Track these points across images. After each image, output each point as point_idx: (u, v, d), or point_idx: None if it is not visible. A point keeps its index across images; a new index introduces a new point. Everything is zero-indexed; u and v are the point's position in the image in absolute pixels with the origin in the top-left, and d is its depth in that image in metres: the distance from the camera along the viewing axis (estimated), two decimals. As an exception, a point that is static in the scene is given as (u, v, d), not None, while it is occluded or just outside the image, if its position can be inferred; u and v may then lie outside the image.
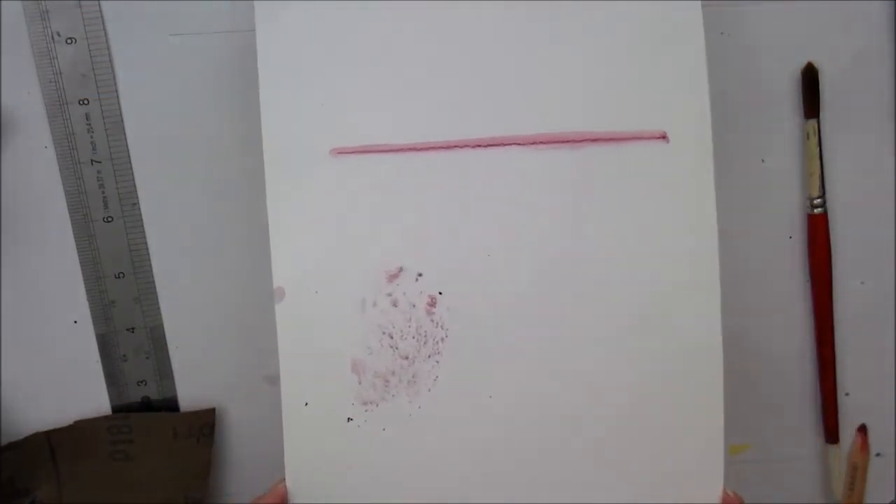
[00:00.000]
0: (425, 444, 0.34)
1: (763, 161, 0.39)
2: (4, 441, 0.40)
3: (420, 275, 0.34)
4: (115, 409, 0.41)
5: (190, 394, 0.41)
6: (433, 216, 0.34)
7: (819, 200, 0.39)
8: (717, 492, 0.34)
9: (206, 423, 0.41)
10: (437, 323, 0.34)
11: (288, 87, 0.34)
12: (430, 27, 0.34)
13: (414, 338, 0.34)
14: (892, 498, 0.43)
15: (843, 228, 0.40)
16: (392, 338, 0.34)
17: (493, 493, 0.34)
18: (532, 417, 0.34)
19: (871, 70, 0.39)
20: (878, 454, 0.42)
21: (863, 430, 0.41)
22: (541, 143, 0.34)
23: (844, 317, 0.40)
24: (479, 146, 0.34)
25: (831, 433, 0.41)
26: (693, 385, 0.34)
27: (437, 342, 0.34)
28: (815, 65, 0.38)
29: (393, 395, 0.34)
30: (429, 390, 0.34)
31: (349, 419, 0.34)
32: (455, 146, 0.34)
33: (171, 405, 0.41)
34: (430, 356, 0.34)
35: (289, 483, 0.34)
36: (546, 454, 0.34)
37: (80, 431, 0.40)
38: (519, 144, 0.34)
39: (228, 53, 0.38)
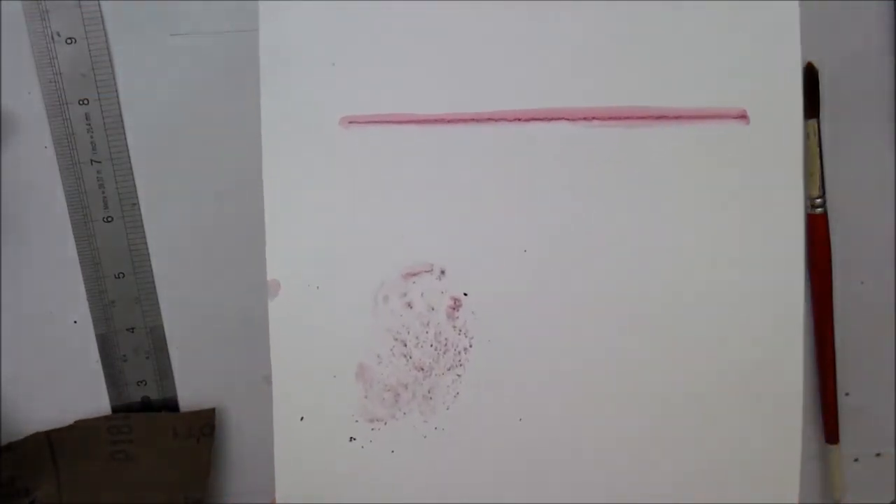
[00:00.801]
0: (441, 471, 0.29)
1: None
2: (4, 441, 0.40)
3: (442, 272, 0.29)
4: (115, 409, 0.41)
5: (190, 394, 0.41)
6: (461, 202, 0.29)
7: (819, 200, 0.39)
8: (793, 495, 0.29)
9: (206, 423, 0.41)
10: (461, 330, 0.29)
11: (293, 43, 0.29)
12: None
13: (432, 346, 0.29)
14: (893, 498, 0.43)
15: (843, 228, 0.40)
16: (406, 345, 0.29)
17: None
18: (571, 446, 0.29)
19: (871, 70, 0.39)
20: (878, 454, 0.42)
21: None
22: (595, 118, 0.28)
23: (844, 317, 0.40)
24: (519, 119, 0.29)
25: (831, 433, 0.41)
26: (770, 399, 0.29)
27: (460, 352, 0.29)
28: (815, 65, 0.38)
29: (404, 413, 0.29)
30: (447, 408, 0.29)
31: (352, 438, 0.29)
32: (491, 119, 0.29)
33: (171, 405, 0.41)
34: (450, 368, 0.29)
35: None
36: (586, 488, 0.29)
37: (80, 431, 0.40)
38: (568, 119, 0.28)
39: (228, 53, 0.38)
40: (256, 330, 0.40)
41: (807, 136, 0.39)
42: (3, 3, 0.37)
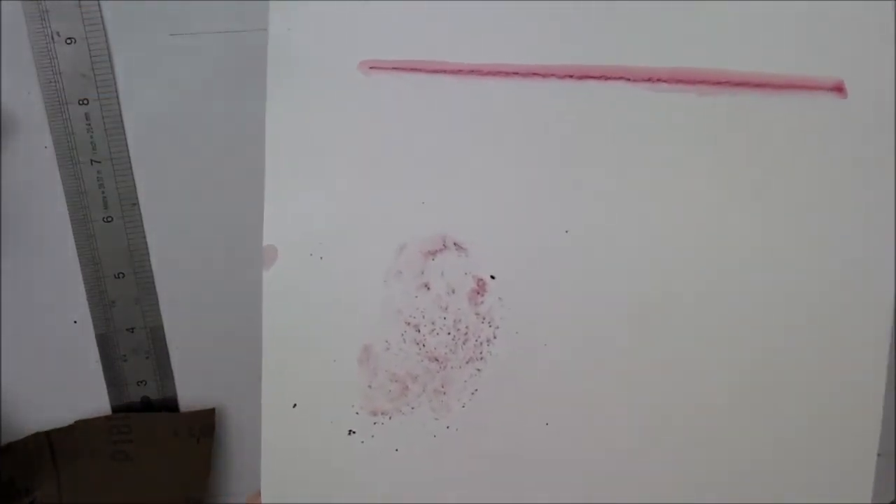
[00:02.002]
0: (451, 476, 0.25)
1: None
2: (4, 441, 0.40)
3: (466, 249, 0.25)
4: (115, 409, 0.41)
5: (190, 394, 0.41)
6: (496, 170, 0.24)
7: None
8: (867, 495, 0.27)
9: (206, 423, 0.41)
10: (484, 317, 0.25)
11: None
12: None
13: (450, 334, 0.25)
14: (893, 498, 0.43)
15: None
16: (419, 331, 0.25)
17: None
18: (602, 455, 0.25)
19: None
20: (878, 454, 0.42)
21: None
22: (661, 80, 0.24)
23: (844, 317, 0.40)
24: (571, 76, 0.24)
25: (831, 433, 0.41)
26: (852, 398, 0.26)
27: (482, 343, 0.25)
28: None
29: (412, 408, 0.25)
30: (462, 406, 0.25)
31: (351, 431, 0.26)
32: (537, 73, 0.24)
33: (171, 405, 0.41)
34: (469, 361, 0.25)
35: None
36: (616, 498, 0.25)
37: (80, 431, 0.40)
38: (629, 80, 0.24)
39: (228, 53, 0.38)
40: (257, 330, 0.40)
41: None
42: (3, 3, 0.37)
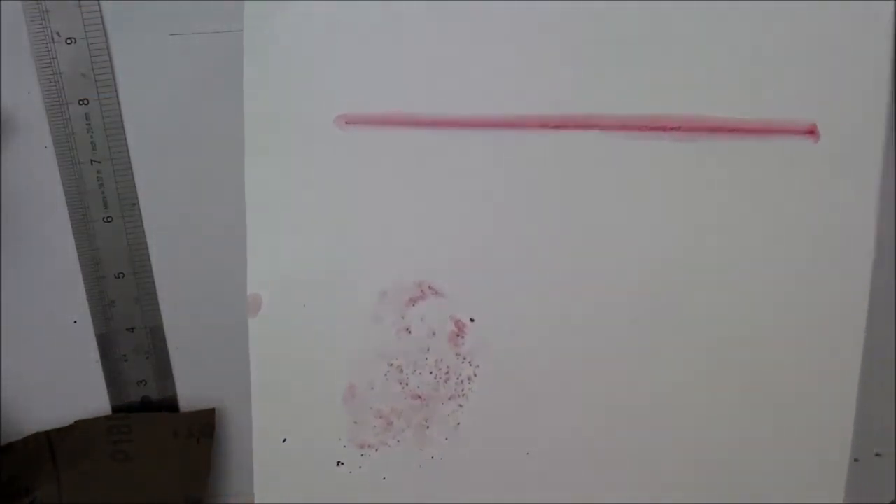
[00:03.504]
0: (435, 501, 0.27)
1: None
2: (4, 441, 0.40)
3: (445, 295, 0.26)
4: (115, 409, 0.41)
5: (190, 394, 0.41)
6: (471, 216, 0.25)
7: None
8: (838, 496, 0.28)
9: (206, 423, 0.41)
10: (465, 357, 0.26)
11: (281, 39, 0.25)
12: None
13: (431, 373, 0.26)
14: (893, 498, 0.43)
15: (844, 228, 0.40)
16: (402, 371, 0.26)
17: None
18: (583, 486, 0.26)
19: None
20: (877, 454, 0.42)
21: None
22: (635, 128, 0.24)
23: (844, 317, 0.40)
24: (544, 126, 0.24)
25: (831, 433, 0.41)
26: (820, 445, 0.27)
27: (463, 382, 0.26)
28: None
29: (398, 441, 0.27)
30: (446, 439, 0.26)
31: (339, 463, 0.27)
32: (512, 124, 0.24)
33: (171, 405, 0.41)
34: (451, 398, 0.26)
35: None
36: None
37: (80, 431, 0.40)
38: (603, 128, 0.24)
39: (228, 53, 0.38)
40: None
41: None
42: (3, 3, 0.37)
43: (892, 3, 0.23)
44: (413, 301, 0.26)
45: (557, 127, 0.24)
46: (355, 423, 0.27)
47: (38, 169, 0.38)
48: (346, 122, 0.25)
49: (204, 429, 0.41)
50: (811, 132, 0.24)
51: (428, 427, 0.26)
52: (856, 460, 0.42)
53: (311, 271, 0.26)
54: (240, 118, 0.38)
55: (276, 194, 0.26)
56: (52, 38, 0.37)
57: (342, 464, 0.27)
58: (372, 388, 0.26)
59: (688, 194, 0.25)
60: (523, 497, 0.26)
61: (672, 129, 0.24)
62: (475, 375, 0.26)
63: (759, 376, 0.26)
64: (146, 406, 0.41)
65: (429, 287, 0.25)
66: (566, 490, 0.25)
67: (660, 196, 0.25)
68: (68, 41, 0.37)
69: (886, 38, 0.23)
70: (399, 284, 0.26)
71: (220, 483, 0.42)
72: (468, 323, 0.26)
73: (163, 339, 0.41)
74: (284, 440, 0.27)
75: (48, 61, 0.37)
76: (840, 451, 0.27)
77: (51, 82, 0.37)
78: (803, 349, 0.26)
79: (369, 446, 0.27)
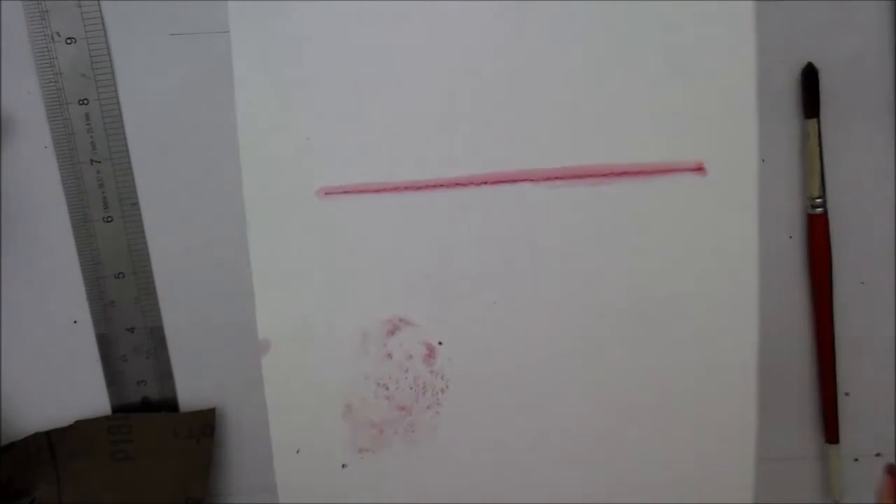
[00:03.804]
0: (426, 491, 0.33)
1: (763, 161, 0.39)
2: (4, 441, 0.40)
3: (417, 325, 0.32)
4: (115, 409, 0.41)
5: (190, 394, 0.41)
6: (434, 261, 0.31)
7: (819, 200, 0.39)
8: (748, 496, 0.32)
9: (206, 424, 0.41)
10: (437, 373, 0.32)
11: (269, 118, 0.31)
12: (428, 48, 0.30)
13: (411, 388, 0.32)
14: (893, 498, 0.43)
15: (843, 228, 0.40)
16: (388, 388, 0.32)
17: None
18: (540, 469, 0.32)
19: (871, 70, 0.39)
20: (878, 454, 0.42)
21: (892, 471, 0.35)
22: (557, 178, 0.31)
23: (844, 317, 0.40)
24: (485, 183, 0.31)
25: (831, 433, 0.41)
26: (725, 455, 0.32)
27: (437, 393, 0.32)
28: (815, 65, 0.38)
29: (390, 444, 0.33)
30: (428, 439, 0.32)
31: (343, 465, 0.33)
32: (458, 184, 0.31)
33: (171, 405, 0.41)
34: (429, 407, 0.32)
35: None
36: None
37: (80, 431, 0.40)
38: (532, 181, 0.31)
39: (228, 53, 0.38)
40: (256, 330, 0.40)
41: (807, 137, 0.39)
42: (3, 3, 0.37)
43: (754, 41, 0.30)
44: (391, 332, 0.32)
45: (496, 182, 0.31)
46: (354, 433, 0.33)
47: (38, 169, 0.39)
48: (325, 194, 0.31)
49: (204, 429, 0.41)
50: (699, 168, 0.30)
51: (413, 431, 0.33)
52: (856, 460, 0.42)
53: (307, 316, 0.32)
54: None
55: (275, 257, 0.32)
56: (52, 38, 0.37)
57: (346, 466, 0.33)
58: (364, 404, 0.32)
59: (603, 228, 0.31)
60: (494, 482, 0.33)
61: (587, 176, 0.30)
62: (447, 387, 0.32)
63: (668, 386, 0.32)
64: (146, 406, 0.41)
65: (400, 320, 0.32)
66: (528, 475, 0.32)
67: (584, 231, 0.31)
68: (68, 41, 0.37)
69: (751, 80, 0.30)
70: (379, 320, 0.32)
71: (220, 483, 0.42)
72: (437, 346, 0.32)
73: (163, 339, 0.41)
74: (298, 451, 0.33)
75: (48, 61, 0.37)
76: (746, 453, 0.32)
77: (51, 82, 0.38)
78: (702, 364, 0.32)
79: (367, 450, 0.33)
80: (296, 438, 0.33)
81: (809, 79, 0.38)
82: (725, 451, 0.32)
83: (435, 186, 0.31)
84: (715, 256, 0.31)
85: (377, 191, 0.31)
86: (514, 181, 0.31)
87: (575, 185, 0.30)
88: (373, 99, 0.31)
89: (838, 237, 0.40)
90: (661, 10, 0.30)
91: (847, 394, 0.41)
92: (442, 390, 0.32)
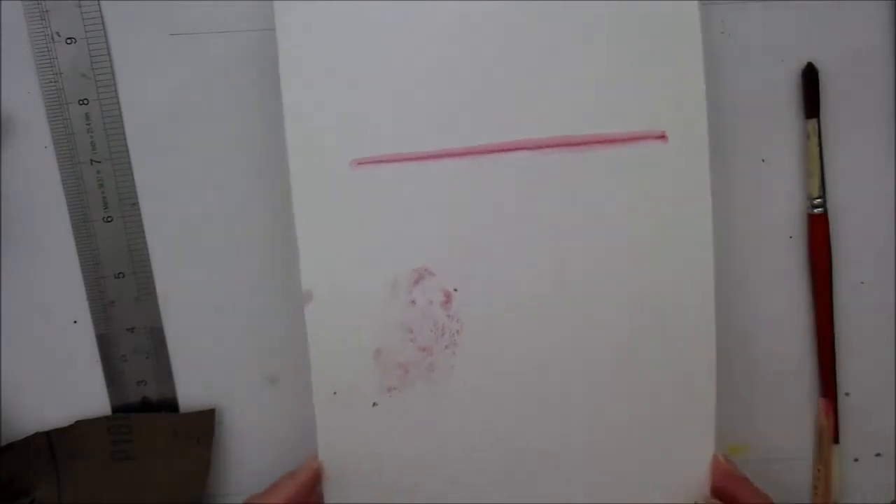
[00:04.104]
0: (444, 423, 0.38)
1: (763, 161, 0.39)
2: (4, 441, 0.40)
3: (436, 274, 0.37)
4: (115, 409, 0.41)
5: (190, 394, 0.41)
6: (449, 219, 0.36)
7: (819, 200, 0.39)
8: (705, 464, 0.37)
9: (206, 424, 0.41)
10: (453, 317, 0.37)
11: (310, 102, 0.35)
12: (441, 38, 0.36)
13: (431, 331, 0.37)
14: (893, 498, 0.43)
15: (843, 228, 0.40)
16: (411, 332, 0.37)
17: (505, 465, 0.38)
18: (539, 400, 0.37)
19: (871, 70, 0.39)
20: (878, 454, 0.42)
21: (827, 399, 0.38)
22: (548, 146, 0.36)
23: (844, 317, 0.40)
24: (489, 152, 0.36)
25: (832, 434, 0.41)
26: (685, 376, 0.37)
27: (453, 334, 0.37)
28: (815, 65, 0.38)
29: (413, 383, 0.37)
30: (446, 378, 0.37)
31: (374, 404, 0.37)
32: (467, 153, 0.36)
33: (171, 405, 0.41)
34: (446, 347, 0.37)
35: (322, 459, 0.37)
36: (553, 432, 0.38)
37: (80, 431, 0.40)
38: (527, 149, 0.36)
39: (229, 53, 0.38)
40: (257, 330, 0.41)
41: (807, 137, 0.39)
42: (3, 3, 0.37)
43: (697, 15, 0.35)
44: (416, 281, 0.37)
45: (499, 151, 0.36)
46: (383, 374, 0.37)
47: (38, 169, 0.39)
48: (358, 164, 0.36)
49: (204, 429, 0.41)
50: (662, 137, 0.36)
51: (433, 371, 0.37)
52: (856, 460, 0.42)
53: (345, 269, 0.37)
54: (240, 118, 0.38)
55: (316, 219, 0.36)
56: (52, 38, 0.37)
57: (377, 404, 0.37)
58: (392, 347, 0.37)
59: (587, 191, 0.36)
60: (503, 411, 0.38)
61: (572, 144, 0.36)
62: (461, 329, 0.37)
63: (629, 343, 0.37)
64: (146, 406, 0.41)
65: (426, 270, 0.37)
66: (532, 404, 0.37)
67: (571, 191, 0.36)
68: (68, 41, 0.37)
69: (698, 56, 0.35)
70: (405, 271, 0.37)
71: (220, 483, 0.42)
72: (453, 292, 0.37)
73: (163, 339, 0.41)
74: (335, 392, 0.37)
75: (48, 61, 0.37)
76: (702, 449, 0.37)
77: (51, 82, 0.38)
78: (663, 332, 0.37)
79: (394, 389, 0.37)
80: (333, 381, 0.37)
81: (809, 79, 0.38)
82: (681, 387, 0.37)
83: (448, 156, 0.36)
84: (675, 209, 0.36)
85: (401, 160, 0.36)
86: (513, 150, 0.36)
87: (563, 152, 0.36)
88: (395, 87, 0.36)
89: (838, 237, 0.40)
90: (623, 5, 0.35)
91: (847, 394, 0.41)
92: (457, 332, 0.37)
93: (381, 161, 0.36)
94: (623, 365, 0.37)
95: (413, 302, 0.37)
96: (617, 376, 0.37)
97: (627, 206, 0.36)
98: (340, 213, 0.36)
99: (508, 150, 0.36)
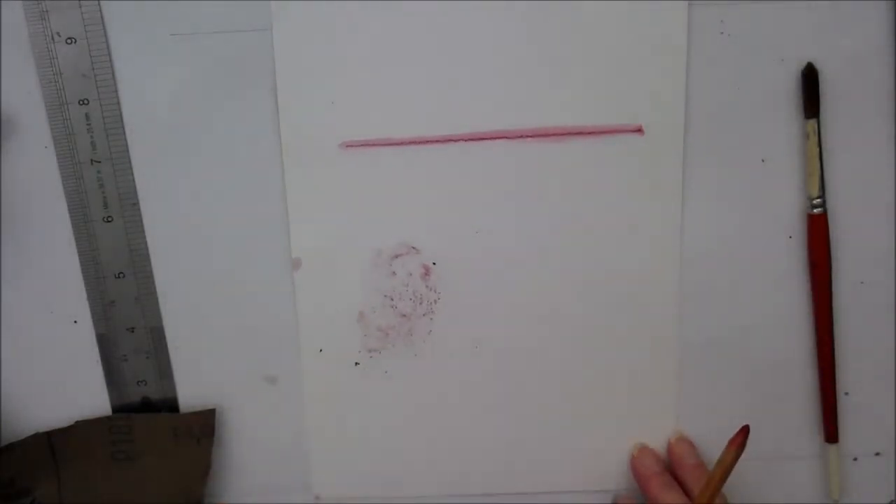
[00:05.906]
0: (421, 383, 0.41)
1: (763, 161, 0.39)
2: (4, 441, 0.40)
3: (418, 249, 0.40)
4: (115, 409, 0.41)
5: (190, 394, 0.41)
6: (430, 200, 0.39)
7: (819, 200, 0.39)
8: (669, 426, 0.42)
9: (206, 424, 0.41)
10: (431, 287, 0.40)
11: (302, 86, 0.38)
12: (427, 30, 0.37)
13: (411, 300, 0.40)
14: (892, 498, 0.43)
15: (843, 228, 0.40)
16: (392, 299, 0.40)
17: (478, 422, 0.42)
18: (510, 364, 0.41)
19: (871, 70, 0.39)
20: (877, 454, 0.42)
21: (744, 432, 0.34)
22: (527, 136, 0.38)
23: (844, 317, 0.40)
24: (471, 139, 0.38)
25: (831, 433, 0.41)
26: (651, 354, 0.41)
27: (431, 303, 0.40)
28: (815, 65, 0.38)
29: (393, 345, 0.41)
30: (423, 342, 0.41)
31: (356, 363, 0.41)
32: (450, 140, 0.38)
33: (171, 405, 0.41)
34: (424, 314, 0.41)
35: (308, 415, 0.41)
36: (522, 393, 0.42)
37: (81, 431, 0.40)
38: (507, 138, 0.38)
39: (228, 53, 0.38)
40: (256, 330, 0.41)
41: (807, 137, 0.39)
42: (3, 3, 0.37)
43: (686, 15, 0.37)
44: (397, 255, 0.40)
45: (480, 139, 0.38)
46: (365, 335, 0.41)
47: (38, 169, 0.39)
48: (346, 146, 0.39)
49: (204, 429, 0.41)
50: (639, 130, 0.38)
51: (411, 335, 0.41)
52: (855, 460, 0.42)
53: (331, 240, 0.40)
54: (239, 118, 0.38)
55: (306, 195, 0.39)
56: (52, 38, 0.37)
57: (358, 364, 0.41)
58: (374, 312, 0.41)
59: (561, 179, 0.39)
60: (476, 375, 0.41)
61: (550, 135, 0.38)
62: (438, 299, 0.40)
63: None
64: (146, 406, 0.41)
65: (408, 246, 0.40)
66: (505, 370, 0.41)
67: (546, 177, 0.39)
68: (68, 41, 0.37)
69: (681, 55, 0.37)
70: (388, 245, 0.40)
71: (220, 483, 0.42)
72: (432, 266, 0.40)
73: (163, 339, 0.41)
74: (321, 350, 0.41)
75: (48, 61, 0.37)
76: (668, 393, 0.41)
77: (51, 82, 0.38)
78: (629, 315, 0.41)
79: (375, 350, 0.41)
80: (319, 340, 0.41)
81: (809, 79, 0.38)
82: (646, 362, 0.41)
83: (431, 142, 0.38)
84: (649, 198, 0.39)
85: (387, 144, 0.38)
86: (494, 138, 0.38)
87: (541, 143, 0.38)
88: (383, 75, 0.38)
89: (838, 237, 0.40)
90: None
91: (847, 394, 0.41)
92: (435, 301, 0.40)
93: (368, 144, 0.38)
94: (591, 337, 0.41)
95: (394, 273, 0.40)
96: (584, 344, 0.41)
97: (602, 194, 0.39)
98: (329, 189, 0.39)
99: (489, 138, 0.38)
